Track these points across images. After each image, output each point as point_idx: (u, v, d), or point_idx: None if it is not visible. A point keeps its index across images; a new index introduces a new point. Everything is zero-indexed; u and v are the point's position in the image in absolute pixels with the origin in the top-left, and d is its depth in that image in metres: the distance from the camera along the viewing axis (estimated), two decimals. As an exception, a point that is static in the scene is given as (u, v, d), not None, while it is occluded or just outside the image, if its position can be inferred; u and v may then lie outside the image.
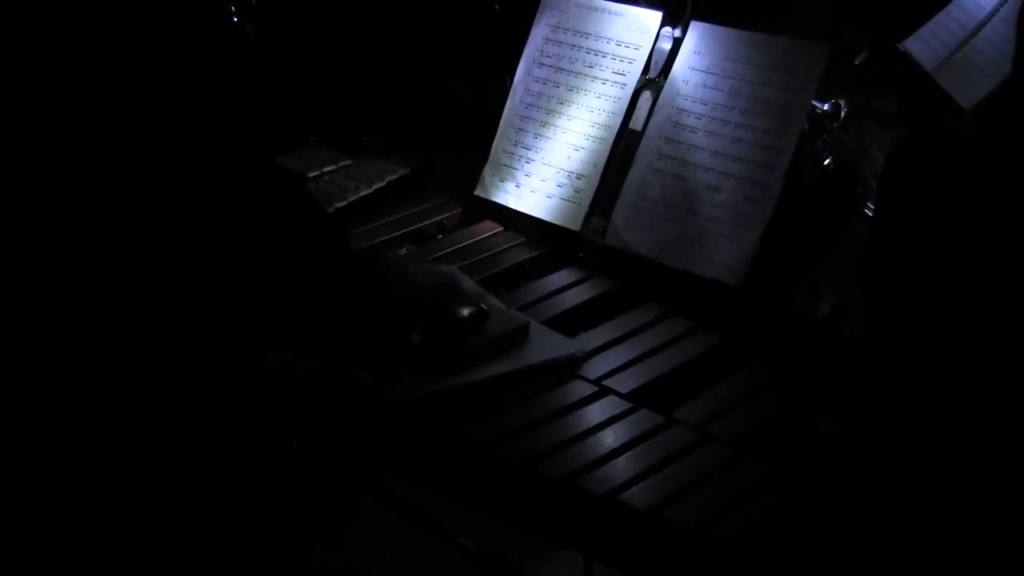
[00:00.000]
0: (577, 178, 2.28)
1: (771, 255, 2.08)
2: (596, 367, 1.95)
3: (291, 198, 1.63)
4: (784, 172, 2.07)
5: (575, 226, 2.26)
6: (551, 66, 2.38)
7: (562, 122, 2.34)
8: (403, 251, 2.28)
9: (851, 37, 3.04)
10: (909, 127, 3.00)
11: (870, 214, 2.21)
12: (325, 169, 2.52)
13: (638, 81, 2.26)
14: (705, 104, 2.17)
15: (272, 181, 1.58)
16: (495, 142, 2.42)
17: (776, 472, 1.72)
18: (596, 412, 1.85)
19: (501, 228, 2.38)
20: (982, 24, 2.71)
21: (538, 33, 2.41)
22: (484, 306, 1.95)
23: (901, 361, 1.89)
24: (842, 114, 2.27)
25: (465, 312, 1.92)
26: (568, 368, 1.95)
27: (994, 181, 1.84)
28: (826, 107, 2.19)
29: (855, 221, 2.24)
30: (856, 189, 2.25)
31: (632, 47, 2.28)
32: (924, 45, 2.86)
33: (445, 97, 2.92)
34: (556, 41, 2.38)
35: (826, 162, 2.20)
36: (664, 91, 2.22)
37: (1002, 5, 2.67)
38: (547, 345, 1.98)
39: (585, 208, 2.26)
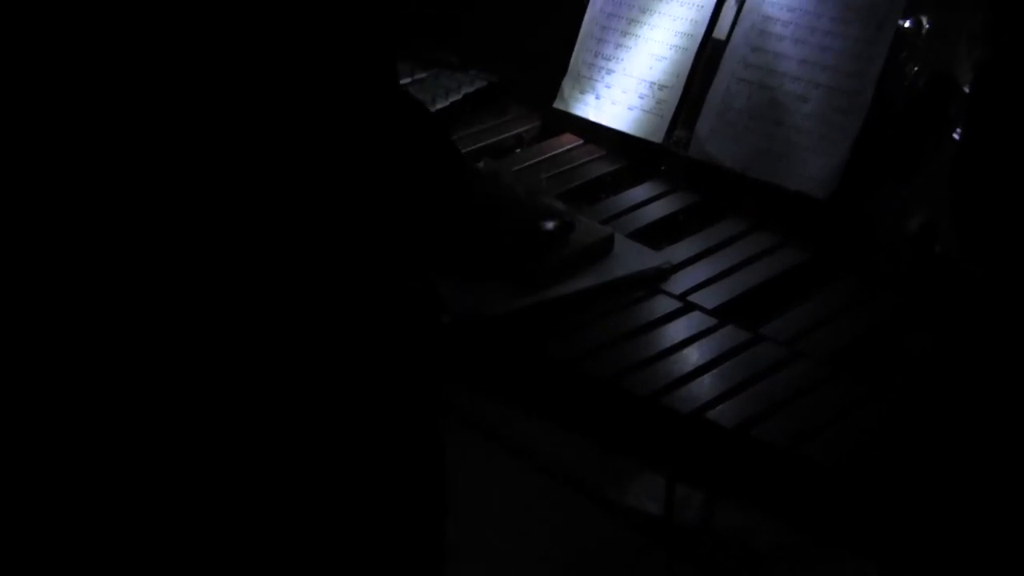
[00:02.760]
0: (659, 89, 2.22)
1: (860, 170, 2.02)
2: (680, 282, 1.91)
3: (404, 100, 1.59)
4: (875, 81, 2.00)
5: (657, 138, 2.21)
6: (632, -26, 2.31)
7: (644, 31, 2.27)
8: (481, 164, 2.24)
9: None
10: (999, 44, 2.92)
11: (957, 136, 2.14)
12: (401, 82, 2.47)
13: (722, -13, 2.20)
14: (792, 11, 2.10)
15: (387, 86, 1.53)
16: (574, 53, 2.36)
17: (867, 391, 1.68)
18: (681, 328, 1.81)
19: (581, 141, 2.32)
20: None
21: (620, -60, 2.35)
22: (568, 218, 1.91)
23: (993, 277, 1.85)
24: (924, 31, 2.19)
25: (550, 224, 1.89)
26: (655, 280, 1.91)
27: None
28: (907, 24, 2.11)
29: (947, 139, 2.17)
30: (948, 105, 2.18)
31: (717, -47, 2.21)
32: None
33: (523, 10, 2.86)
34: (638, -52, 2.32)
35: (915, 74, 2.13)
36: (750, -2, 2.15)
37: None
38: (633, 257, 1.94)
39: (668, 120, 2.20)
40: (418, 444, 1.64)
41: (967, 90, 2.10)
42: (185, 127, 1.36)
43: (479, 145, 2.32)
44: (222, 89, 1.36)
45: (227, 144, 1.38)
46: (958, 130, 2.17)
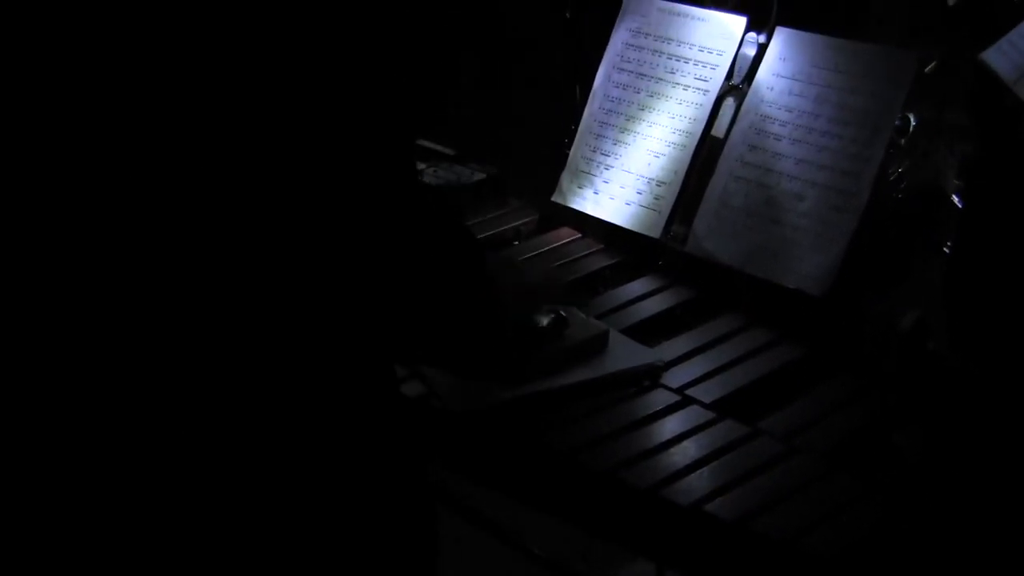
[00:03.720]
0: (657, 185, 2.26)
1: (855, 268, 2.04)
2: (678, 376, 1.92)
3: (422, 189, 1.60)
4: (872, 181, 2.03)
5: (655, 233, 2.23)
6: (632, 71, 2.35)
7: (642, 128, 2.31)
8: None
9: (923, 49, 3.00)
10: (984, 141, 2.96)
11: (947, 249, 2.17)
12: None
13: (721, 87, 2.23)
14: (790, 111, 2.14)
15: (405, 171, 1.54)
16: (573, 148, 2.40)
17: (863, 487, 1.69)
18: (679, 422, 1.82)
19: (579, 235, 2.36)
20: (1064, 36, 2.66)
21: (619, 38, 2.39)
22: (564, 313, 1.93)
23: (987, 375, 1.86)
24: (911, 129, 2.23)
25: (545, 320, 1.90)
26: (648, 377, 1.92)
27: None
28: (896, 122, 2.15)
29: (937, 245, 2.20)
30: (937, 212, 2.21)
31: (715, 53, 2.25)
32: (1004, 57, 2.81)
33: (516, 106, 2.90)
34: (637, 46, 2.35)
35: (897, 178, 2.16)
36: (748, 98, 2.19)
37: (1086, 16, 2.62)
38: (626, 354, 1.96)
39: (665, 215, 2.23)
40: (410, 533, 1.64)
41: (956, 185, 2.14)
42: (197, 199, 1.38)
43: (479, 237, 2.33)
44: (239, 150, 1.38)
45: (245, 212, 1.39)
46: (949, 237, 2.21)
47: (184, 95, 1.34)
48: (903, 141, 2.21)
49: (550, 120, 2.54)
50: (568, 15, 3.15)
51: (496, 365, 1.82)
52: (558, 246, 2.32)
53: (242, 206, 1.37)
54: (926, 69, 2.88)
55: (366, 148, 1.42)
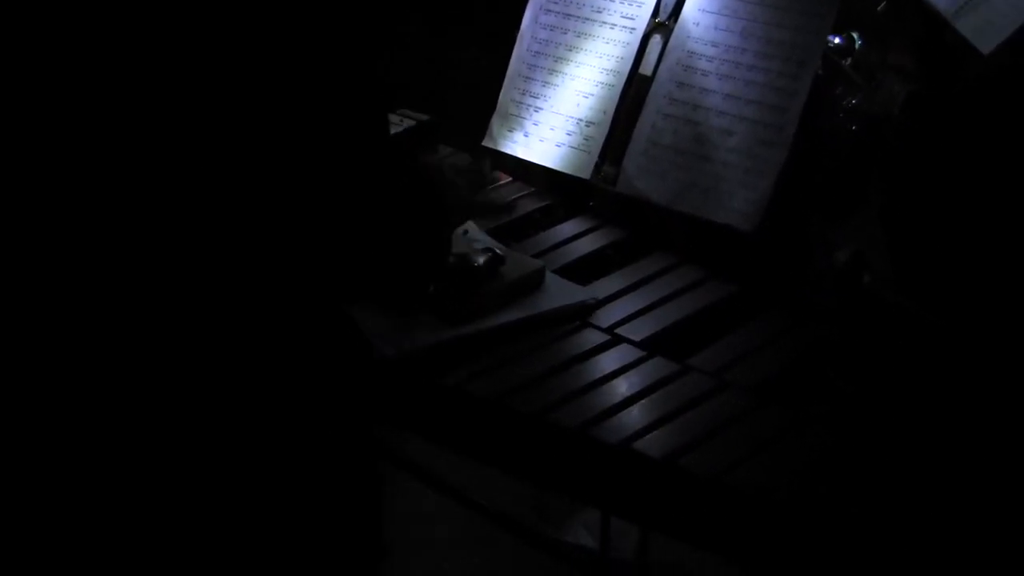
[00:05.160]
0: (586, 126, 2.24)
1: (794, 203, 2.03)
2: (609, 315, 1.91)
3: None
4: (799, 115, 2.02)
5: (585, 174, 2.22)
6: (558, 12, 2.33)
7: (570, 69, 2.29)
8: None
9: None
10: (927, 80, 2.96)
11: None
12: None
13: (647, 25, 2.21)
14: (717, 47, 2.12)
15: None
16: (502, 92, 2.37)
17: (793, 421, 1.69)
18: (609, 360, 1.82)
19: (510, 179, 2.34)
20: (1000, -33, 2.66)
21: (545, -21, 2.37)
22: (499, 251, 1.92)
23: (923, 310, 1.86)
24: (856, 46, 2.22)
25: (480, 259, 1.89)
26: (580, 316, 1.91)
27: (1011, 124, 1.81)
28: (837, 40, 2.14)
29: (883, 176, 2.19)
30: (883, 143, 2.20)
31: (641, -10, 2.23)
32: (941, -10, 2.81)
33: (451, 49, 2.87)
34: (563, -14, 2.33)
35: (846, 105, 2.15)
36: (674, 34, 2.17)
37: (1020, -54, 2.61)
38: (559, 292, 1.95)
39: (595, 156, 2.21)
40: (354, 485, 1.63)
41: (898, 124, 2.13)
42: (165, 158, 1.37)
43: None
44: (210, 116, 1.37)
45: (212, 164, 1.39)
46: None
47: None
48: (848, 61, 2.19)
49: (485, 65, 2.51)
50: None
51: (428, 300, 1.82)
52: (489, 190, 2.29)
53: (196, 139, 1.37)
54: (878, 8, 2.87)
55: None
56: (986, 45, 2.58)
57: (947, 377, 1.74)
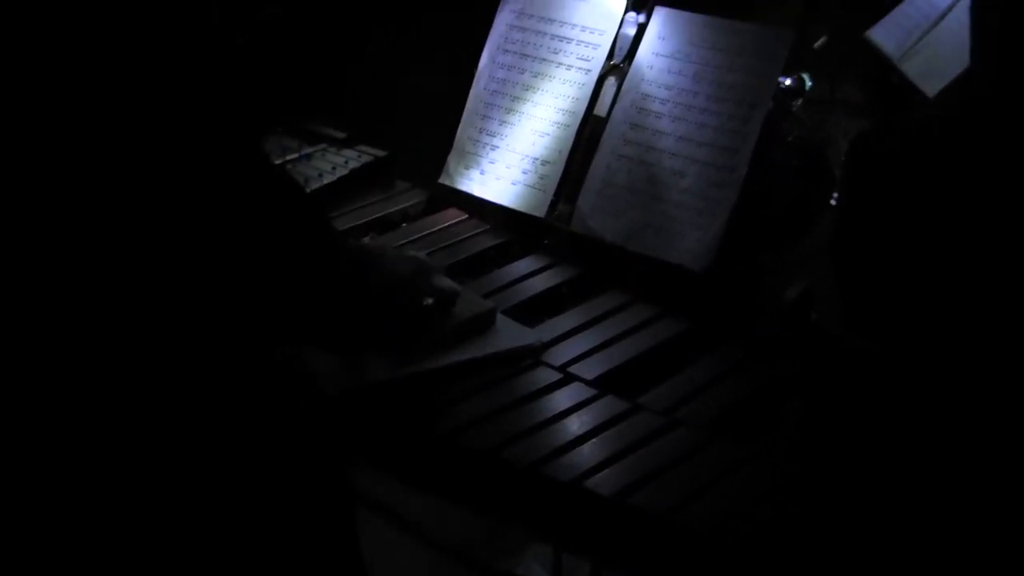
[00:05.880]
0: (542, 164, 2.27)
1: (743, 239, 2.07)
2: (561, 353, 1.93)
3: (278, 180, 1.60)
4: (749, 157, 2.06)
5: (540, 213, 2.25)
6: (515, 52, 2.36)
7: (527, 108, 2.32)
8: (367, 239, 2.26)
9: (813, 27, 3.04)
10: (875, 117, 3.01)
11: (835, 202, 2.20)
12: (288, 157, 2.49)
13: (602, 67, 2.25)
14: (670, 89, 2.16)
15: (258, 166, 1.55)
16: (459, 129, 2.40)
17: (744, 458, 1.71)
18: (562, 399, 1.84)
19: (466, 216, 2.36)
20: (945, 13, 2.71)
21: (502, 20, 2.40)
22: (450, 290, 1.94)
23: (871, 345, 1.89)
24: (807, 87, 2.26)
25: (429, 300, 1.91)
26: (527, 358, 1.93)
27: (956, 164, 1.84)
28: (788, 82, 2.18)
29: (825, 207, 2.23)
30: (825, 174, 2.24)
31: (596, 32, 2.27)
32: (888, 34, 2.86)
33: (410, 86, 2.90)
34: (520, 27, 2.37)
35: (790, 141, 2.19)
36: (629, 77, 2.21)
37: (964, -7, 2.67)
38: (509, 334, 1.97)
39: (550, 195, 2.24)
40: (326, 525, 1.65)
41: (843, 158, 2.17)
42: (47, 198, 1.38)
43: (365, 220, 2.34)
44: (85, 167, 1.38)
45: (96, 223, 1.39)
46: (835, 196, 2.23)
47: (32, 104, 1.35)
48: (799, 102, 2.24)
49: (441, 102, 2.54)
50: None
51: (368, 340, 1.83)
52: (445, 227, 2.32)
53: (97, 202, 1.37)
54: (815, 45, 2.92)
55: (214, 144, 1.42)
56: (931, 88, 2.64)
57: (894, 410, 1.77)
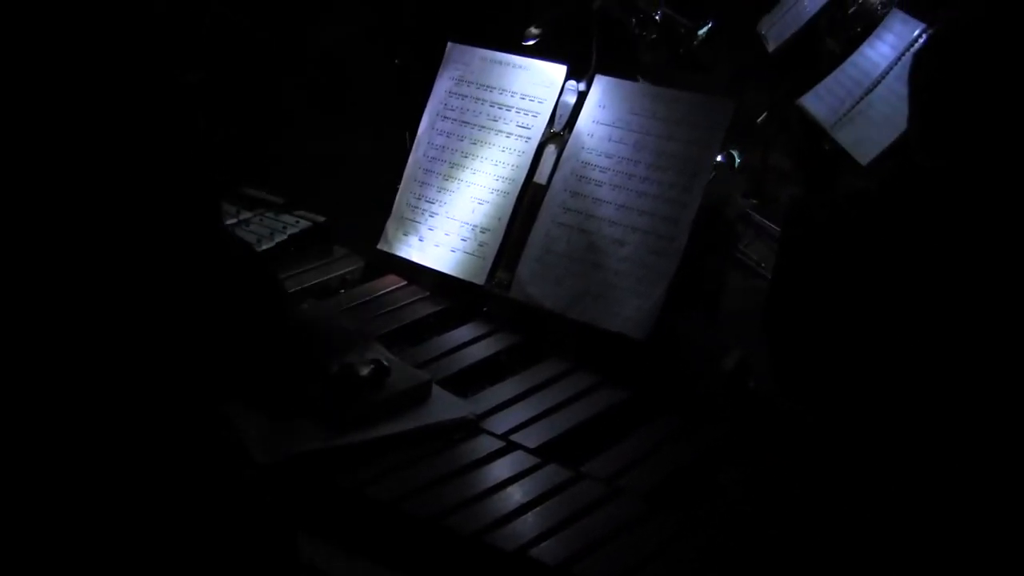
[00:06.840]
0: (481, 232, 2.27)
1: (676, 309, 2.07)
2: (503, 421, 1.93)
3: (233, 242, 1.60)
4: (689, 226, 2.06)
5: (479, 280, 2.25)
6: (455, 119, 2.36)
7: (466, 175, 2.33)
8: (305, 306, 2.24)
9: (751, 97, 3.08)
10: (806, 184, 3.04)
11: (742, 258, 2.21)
12: (227, 222, 2.47)
13: (543, 135, 2.26)
14: (610, 158, 2.17)
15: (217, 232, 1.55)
16: (398, 196, 2.40)
17: (684, 525, 1.71)
18: (504, 467, 1.83)
19: (405, 282, 2.35)
20: (877, 81, 2.75)
21: (441, 86, 2.40)
22: (385, 362, 1.93)
23: (805, 410, 1.90)
24: (736, 164, 2.29)
25: (365, 369, 1.90)
26: (461, 430, 1.91)
27: (889, 235, 1.86)
28: (719, 159, 2.20)
29: (726, 263, 2.24)
30: (724, 230, 2.26)
31: (537, 100, 2.28)
32: (821, 102, 2.90)
33: (345, 152, 2.90)
34: (460, 94, 2.37)
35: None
36: (569, 145, 2.22)
37: (896, 63, 2.71)
38: (444, 406, 1.95)
39: (489, 262, 2.25)
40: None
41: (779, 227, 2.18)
42: None
43: (304, 286, 2.32)
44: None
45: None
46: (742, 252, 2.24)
47: None
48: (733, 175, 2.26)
49: (378, 168, 2.54)
50: (397, 62, 3.16)
51: (312, 406, 1.82)
52: (383, 294, 2.32)
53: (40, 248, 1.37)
54: (758, 120, 2.95)
55: (168, 202, 1.42)
56: (864, 156, 2.67)
57: (829, 474, 1.78)
